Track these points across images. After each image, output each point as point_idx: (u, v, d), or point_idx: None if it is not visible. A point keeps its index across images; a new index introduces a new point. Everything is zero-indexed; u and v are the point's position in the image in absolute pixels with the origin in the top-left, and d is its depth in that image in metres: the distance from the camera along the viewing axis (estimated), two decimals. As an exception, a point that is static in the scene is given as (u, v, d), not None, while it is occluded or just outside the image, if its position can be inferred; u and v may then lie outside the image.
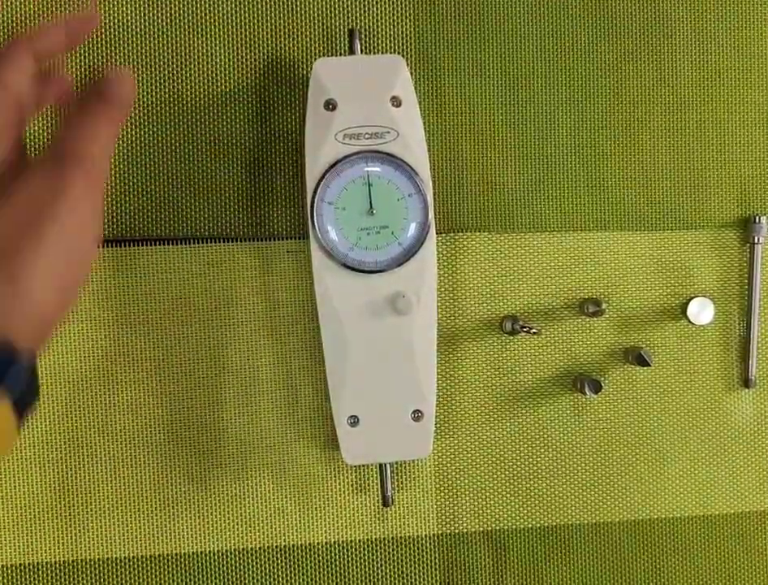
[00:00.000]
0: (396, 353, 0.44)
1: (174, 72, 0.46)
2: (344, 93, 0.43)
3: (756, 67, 0.50)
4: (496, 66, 0.48)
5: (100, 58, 0.45)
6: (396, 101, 0.43)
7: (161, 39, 0.46)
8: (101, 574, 0.47)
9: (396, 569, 0.48)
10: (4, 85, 0.33)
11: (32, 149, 0.45)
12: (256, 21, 0.46)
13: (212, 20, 0.46)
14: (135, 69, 0.46)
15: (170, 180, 0.46)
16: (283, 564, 0.48)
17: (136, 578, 0.47)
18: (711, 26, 0.49)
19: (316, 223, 0.43)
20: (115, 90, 0.34)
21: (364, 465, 0.48)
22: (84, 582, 0.47)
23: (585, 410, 0.49)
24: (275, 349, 0.47)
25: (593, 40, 0.49)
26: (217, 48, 0.46)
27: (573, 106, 0.48)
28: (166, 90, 0.46)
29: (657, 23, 0.49)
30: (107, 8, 0.45)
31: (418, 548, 0.49)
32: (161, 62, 0.46)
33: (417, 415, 0.45)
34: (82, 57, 0.45)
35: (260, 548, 0.48)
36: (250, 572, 0.48)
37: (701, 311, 0.48)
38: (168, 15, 0.46)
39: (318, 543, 0.48)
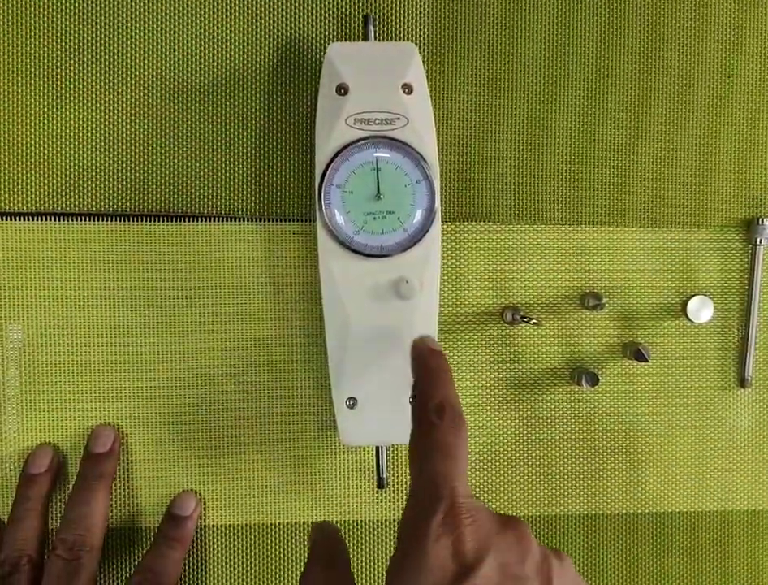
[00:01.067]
0: (397, 337, 0.44)
1: (190, 52, 0.46)
2: (356, 77, 0.43)
3: (765, 68, 0.50)
4: (508, 58, 0.48)
5: (115, 37, 0.46)
6: (408, 89, 0.43)
7: (176, 18, 0.46)
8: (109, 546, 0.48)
9: (388, 552, 0.49)
10: None
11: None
12: (272, 3, 0.47)
13: (228, 3, 0.46)
14: (150, 49, 0.46)
15: (180, 158, 0.47)
16: (276, 541, 0.49)
17: (131, 548, 0.48)
18: (721, 26, 0.49)
19: (323, 206, 0.43)
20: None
21: (360, 447, 0.48)
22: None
23: (582, 402, 0.50)
24: (277, 329, 0.48)
25: (605, 37, 0.49)
26: (233, 28, 0.47)
27: (582, 102, 0.49)
28: (182, 70, 0.46)
29: (667, 24, 0.49)
30: (124, -17, 0.46)
31: (411, 531, 0.49)
32: (177, 42, 0.46)
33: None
34: (98, 38, 0.46)
35: (254, 525, 0.48)
36: (243, 548, 0.48)
37: (701, 309, 0.48)
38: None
39: (312, 523, 0.49)
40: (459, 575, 0.29)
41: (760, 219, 0.50)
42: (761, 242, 0.50)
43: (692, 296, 0.48)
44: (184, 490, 0.48)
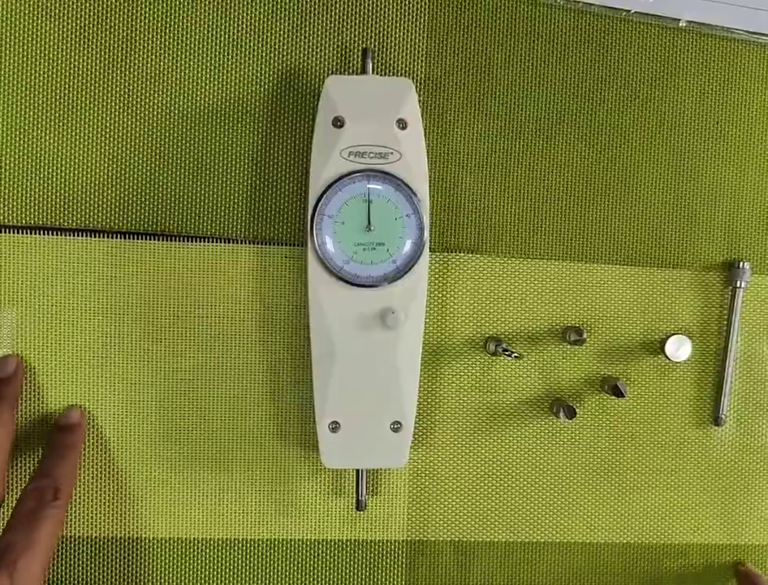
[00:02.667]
0: (381, 365, 0.45)
1: (190, 77, 0.47)
2: (353, 111, 0.44)
3: (752, 116, 0.51)
4: (500, 98, 0.49)
5: (117, 61, 0.47)
6: (402, 124, 0.45)
7: (177, 44, 0.47)
8: (80, 554, 0.49)
9: (364, 571, 0.50)
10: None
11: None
12: (273, 32, 0.48)
13: (230, 27, 0.47)
14: (150, 73, 0.47)
15: (177, 179, 0.48)
16: (255, 557, 0.50)
17: (112, 559, 0.49)
18: (714, 75, 0.51)
19: (314, 235, 0.44)
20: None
21: (340, 469, 0.50)
22: (64, 560, 0.49)
23: (559, 434, 0.51)
24: (264, 350, 0.49)
25: (596, 84, 0.50)
26: (235, 57, 0.47)
27: (572, 141, 0.50)
28: (182, 94, 0.47)
29: (660, 69, 0.50)
30: (126, 16, 0.47)
31: (386, 553, 0.50)
32: (177, 68, 0.47)
33: (396, 426, 0.46)
34: (99, 60, 0.47)
35: (234, 540, 0.49)
36: (222, 562, 0.49)
37: (679, 348, 0.50)
38: (187, 17, 0.47)
39: (291, 540, 0.50)
40: None
41: (740, 263, 0.51)
42: (740, 285, 0.51)
43: (671, 335, 0.50)
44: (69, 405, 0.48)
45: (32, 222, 0.47)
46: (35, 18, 0.46)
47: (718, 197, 0.51)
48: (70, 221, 0.47)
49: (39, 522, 0.41)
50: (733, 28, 0.51)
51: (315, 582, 0.50)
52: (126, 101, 0.47)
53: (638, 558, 0.52)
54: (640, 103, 0.50)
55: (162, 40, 0.47)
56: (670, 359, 0.50)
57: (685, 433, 0.52)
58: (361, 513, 0.50)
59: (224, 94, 0.48)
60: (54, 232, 0.47)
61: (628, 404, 0.51)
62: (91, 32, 0.47)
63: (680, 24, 0.50)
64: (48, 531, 0.42)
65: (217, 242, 0.48)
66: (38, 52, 0.46)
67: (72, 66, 0.47)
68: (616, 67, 0.50)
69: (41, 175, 0.47)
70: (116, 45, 0.47)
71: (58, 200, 0.47)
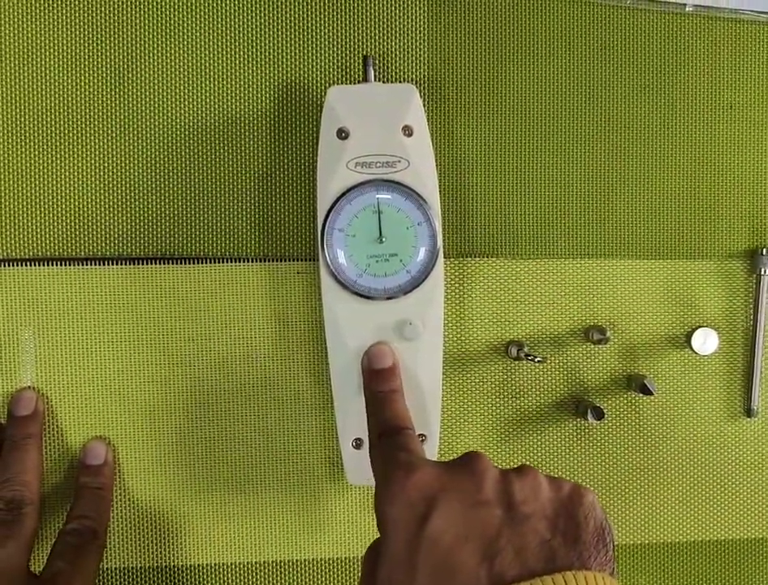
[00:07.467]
0: (402, 377, 0.45)
1: (192, 97, 0.47)
2: (357, 121, 0.43)
3: (765, 97, 0.50)
4: (508, 96, 0.48)
5: (119, 84, 0.46)
6: (408, 131, 0.44)
7: (177, 64, 0.46)
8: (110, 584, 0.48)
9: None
10: None
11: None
12: (272, 46, 0.47)
13: (228, 45, 0.47)
14: (153, 94, 0.46)
15: (185, 201, 0.47)
16: (286, 579, 0.49)
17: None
18: (724, 58, 0.49)
19: (326, 250, 0.43)
20: None
21: (368, 486, 0.49)
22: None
23: (588, 436, 0.50)
24: (283, 369, 0.48)
25: (607, 72, 0.49)
26: (234, 73, 0.47)
27: (583, 135, 0.49)
28: (184, 113, 0.47)
29: (669, 56, 0.49)
30: (125, 32, 0.46)
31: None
32: (179, 88, 0.47)
33: (421, 438, 0.45)
34: (102, 84, 0.46)
35: (263, 563, 0.49)
36: (254, 586, 0.49)
37: (706, 341, 0.48)
38: (185, 38, 0.46)
39: (321, 560, 0.49)
40: (417, 525, 0.32)
41: (763, 249, 0.50)
42: (765, 272, 0.50)
43: (697, 328, 0.48)
44: (93, 437, 0.48)
45: (42, 253, 0.46)
46: (35, 42, 0.46)
47: (736, 183, 0.50)
48: (79, 250, 0.47)
49: (83, 553, 0.43)
50: (740, 10, 0.50)
51: (348, 601, 0.49)
52: (127, 126, 0.46)
53: (678, 557, 0.51)
54: (651, 93, 0.49)
55: (161, 63, 0.46)
56: (696, 353, 0.49)
57: (718, 427, 0.51)
58: (391, 529, 0.49)
59: (225, 114, 0.47)
60: (63, 263, 0.47)
61: (657, 401, 0.50)
62: (91, 56, 0.46)
63: (686, 9, 0.49)
64: (91, 564, 0.44)
65: (228, 262, 0.47)
66: (39, 78, 0.46)
67: (73, 92, 0.46)
68: (624, 58, 0.49)
69: (50, 206, 0.46)
70: (117, 69, 0.46)
71: (66, 230, 0.46)
